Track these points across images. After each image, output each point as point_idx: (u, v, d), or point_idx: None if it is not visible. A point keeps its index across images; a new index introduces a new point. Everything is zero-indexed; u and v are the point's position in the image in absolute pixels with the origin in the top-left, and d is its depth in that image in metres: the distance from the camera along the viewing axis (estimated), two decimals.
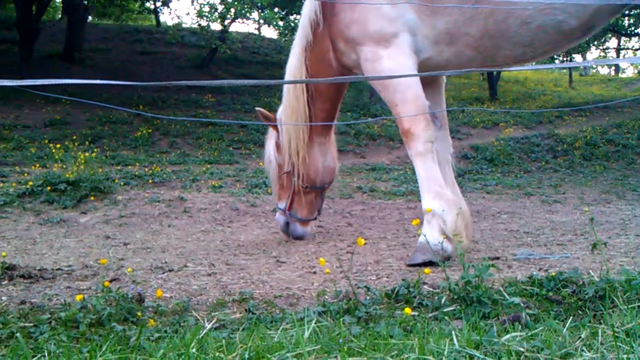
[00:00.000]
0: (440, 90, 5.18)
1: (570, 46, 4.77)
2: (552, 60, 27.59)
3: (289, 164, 5.57)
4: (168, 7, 32.76)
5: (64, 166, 9.70)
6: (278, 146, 5.71)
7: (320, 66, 5.13)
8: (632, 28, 25.70)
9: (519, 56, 4.56)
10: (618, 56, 34.20)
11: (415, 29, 4.51)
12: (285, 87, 5.48)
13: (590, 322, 2.38)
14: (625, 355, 1.92)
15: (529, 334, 2.20)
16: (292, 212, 5.77)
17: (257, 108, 5.87)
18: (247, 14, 19.65)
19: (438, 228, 4.24)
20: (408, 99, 4.47)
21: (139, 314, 2.79)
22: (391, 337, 2.22)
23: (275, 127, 5.69)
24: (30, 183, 8.07)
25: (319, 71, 5.14)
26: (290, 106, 5.38)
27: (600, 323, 2.33)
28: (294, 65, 5.25)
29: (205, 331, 2.39)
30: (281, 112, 5.58)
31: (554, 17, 4.19)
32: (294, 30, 17.35)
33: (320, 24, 4.97)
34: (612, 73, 43.96)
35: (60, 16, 30.98)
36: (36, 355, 2.19)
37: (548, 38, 4.35)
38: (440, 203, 4.28)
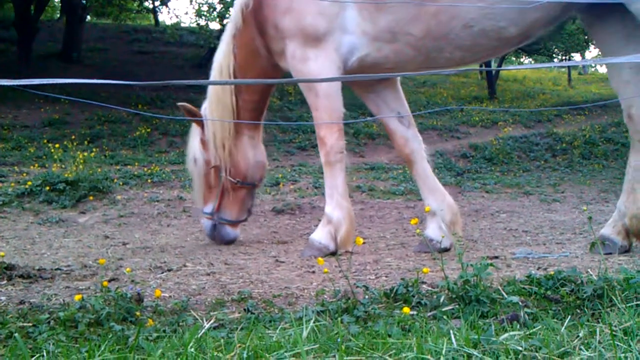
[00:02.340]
0: (397, 87, 5.10)
1: (503, 53, 4.85)
2: (551, 59, 27.62)
3: (216, 158, 5.28)
4: (167, 6, 32.72)
5: (63, 166, 9.70)
6: (203, 142, 5.39)
7: (247, 55, 5.01)
8: None
9: (457, 60, 4.62)
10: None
11: (351, 26, 4.51)
12: (211, 78, 5.18)
13: (588, 320, 2.39)
14: (623, 354, 1.93)
15: (527, 332, 2.21)
16: (220, 213, 5.41)
17: (179, 103, 5.41)
18: None
19: (328, 233, 4.65)
20: (326, 107, 4.66)
21: (138, 313, 2.78)
22: (389, 336, 2.23)
23: (200, 123, 5.40)
24: (29, 183, 8.07)
25: (246, 60, 5.02)
26: (216, 95, 5.15)
27: (599, 322, 2.33)
28: (222, 53, 5.07)
29: (203, 331, 2.39)
30: (206, 105, 5.36)
31: (496, 23, 4.26)
32: None
33: (250, 5, 4.82)
34: None
35: (58, 16, 30.95)
36: (35, 355, 2.19)
37: (488, 43, 4.43)
38: (339, 213, 4.65)
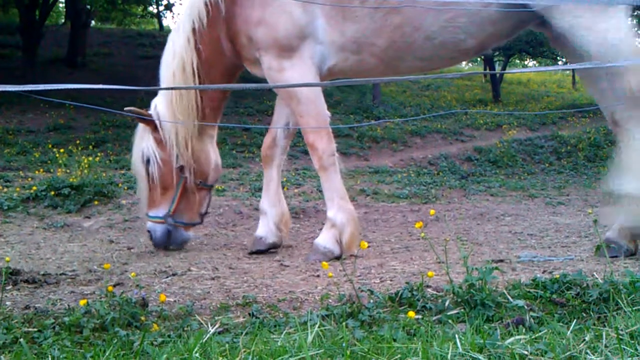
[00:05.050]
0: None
1: (459, 63, 5.06)
2: (555, 61, 27.59)
3: (179, 159, 5.10)
4: (171, 11, 32.83)
5: (68, 171, 9.71)
6: (159, 142, 5.14)
7: (213, 53, 4.96)
8: (635, 29, 25.64)
9: (416, 69, 4.85)
10: None
11: (322, 36, 4.62)
12: (168, 72, 5.02)
13: (594, 324, 2.38)
14: (629, 358, 1.92)
15: (533, 336, 2.20)
16: (176, 216, 5.23)
17: (126, 108, 5.05)
18: None
19: (333, 237, 4.69)
20: (311, 113, 4.72)
21: (143, 318, 2.79)
22: (394, 340, 2.22)
23: (151, 122, 5.13)
24: (34, 188, 8.08)
25: (211, 58, 4.98)
26: (179, 93, 5.00)
27: (605, 325, 2.32)
28: (182, 47, 4.93)
29: (208, 335, 2.39)
30: (160, 104, 5.13)
31: (455, 36, 4.48)
32: None
33: (221, 8, 4.78)
34: None
35: (63, 21, 31.07)
36: None
37: (447, 54, 4.66)
38: (342, 216, 4.68)
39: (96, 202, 7.92)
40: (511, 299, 2.74)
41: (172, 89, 4.94)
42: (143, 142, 5.23)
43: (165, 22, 34.21)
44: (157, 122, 5.10)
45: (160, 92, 5.20)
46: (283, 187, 9.70)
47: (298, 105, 4.73)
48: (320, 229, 5.20)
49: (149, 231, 5.32)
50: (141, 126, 5.30)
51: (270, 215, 5.21)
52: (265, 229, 5.21)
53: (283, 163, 5.39)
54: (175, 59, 4.97)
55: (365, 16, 4.48)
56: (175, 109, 5.03)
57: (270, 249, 5.20)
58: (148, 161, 5.18)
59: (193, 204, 5.31)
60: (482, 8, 4.31)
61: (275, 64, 4.68)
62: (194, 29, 4.92)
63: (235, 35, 4.82)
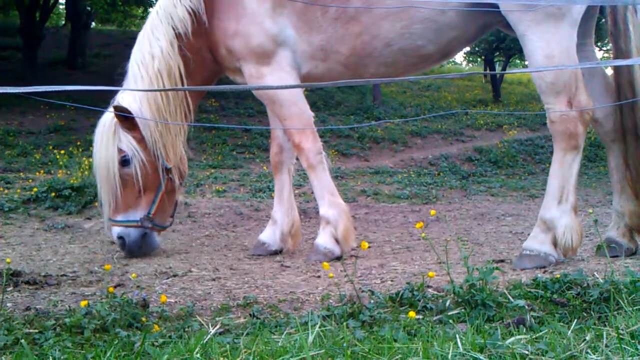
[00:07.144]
0: None
1: (429, 68, 5.30)
2: None
3: (165, 160, 5.01)
4: None
5: (69, 172, 9.71)
6: (139, 141, 4.94)
7: (197, 61, 5.01)
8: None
9: (381, 75, 4.95)
10: None
11: (293, 44, 4.81)
12: (149, 72, 4.88)
13: (595, 324, 2.38)
14: (630, 358, 1.92)
15: (534, 336, 2.20)
16: (155, 218, 5.08)
17: (114, 105, 4.88)
18: None
19: (332, 237, 4.75)
20: (294, 114, 4.86)
21: (144, 319, 2.79)
22: (395, 340, 2.22)
23: (131, 122, 4.91)
24: (35, 189, 8.08)
25: (196, 65, 5.01)
26: (167, 95, 4.92)
27: (605, 325, 2.32)
28: (164, 50, 4.86)
29: (209, 336, 2.39)
30: (136, 102, 4.96)
31: (413, 42, 4.64)
32: None
33: (204, 18, 4.83)
34: None
35: (63, 22, 31.10)
36: None
37: (408, 60, 4.79)
38: (334, 212, 4.78)
39: (97, 204, 7.89)
40: (512, 299, 2.74)
41: (170, 90, 4.94)
42: (116, 141, 4.97)
43: None
44: (137, 121, 4.95)
45: (128, 91, 5.00)
46: None
47: (281, 109, 4.86)
48: None
49: (120, 237, 5.03)
50: (112, 123, 4.99)
51: (281, 224, 5.24)
52: (271, 236, 5.25)
53: (294, 167, 5.45)
54: (156, 62, 4.88)
55: (328, 26, 4.69)
56: (164, 114, 4.94)
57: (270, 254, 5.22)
58: (126, 161, 4.96)
59: (171, 204, 5.30)
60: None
61: (255, 72, 4.83)
62: (178, 34, 4.89)
63: (215, 46, 4.95)
